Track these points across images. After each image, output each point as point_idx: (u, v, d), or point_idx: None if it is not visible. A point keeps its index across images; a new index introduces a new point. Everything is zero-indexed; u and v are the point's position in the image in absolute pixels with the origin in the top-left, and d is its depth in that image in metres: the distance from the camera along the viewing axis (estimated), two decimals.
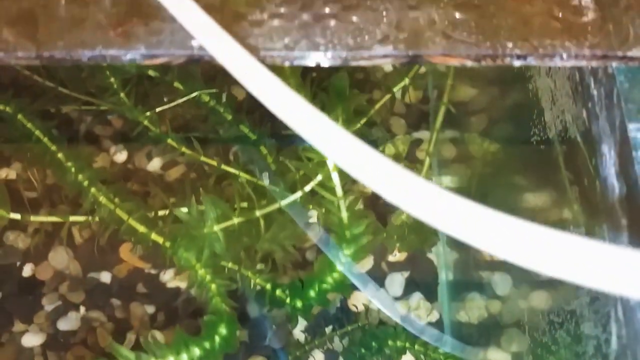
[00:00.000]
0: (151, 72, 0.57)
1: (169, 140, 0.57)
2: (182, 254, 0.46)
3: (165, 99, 0.57)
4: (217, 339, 0.42)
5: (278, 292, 0.48)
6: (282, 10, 0.35)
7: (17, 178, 0.67)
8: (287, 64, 0.34)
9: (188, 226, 0.45)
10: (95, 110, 0.67)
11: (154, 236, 0.49)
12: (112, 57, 0.34)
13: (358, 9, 0.35)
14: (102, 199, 0.50)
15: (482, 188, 0.72)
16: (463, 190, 0.77)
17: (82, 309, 0.80)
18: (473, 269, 0.77)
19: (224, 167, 0.55)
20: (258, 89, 0.31)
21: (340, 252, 0.43)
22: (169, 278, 0.81)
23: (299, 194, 0.45)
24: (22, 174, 0.66)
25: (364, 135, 0.65)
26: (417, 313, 0.79)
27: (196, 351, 0.41)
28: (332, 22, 0.35)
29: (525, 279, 0.71)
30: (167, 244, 0.48)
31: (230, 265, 0.47)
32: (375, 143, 0.75)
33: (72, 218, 0.54)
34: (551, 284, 0.73)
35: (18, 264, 0.81)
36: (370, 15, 0.35)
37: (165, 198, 0.54)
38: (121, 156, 0.77)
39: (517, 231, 0.24)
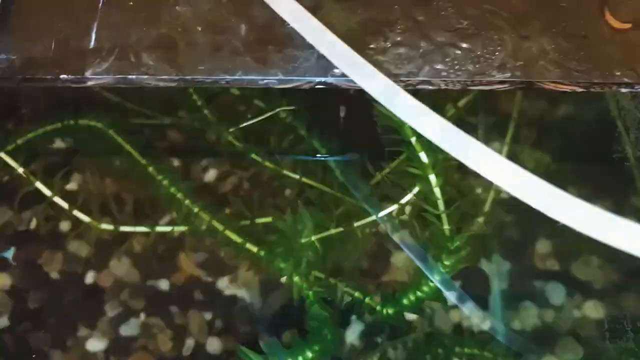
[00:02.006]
0: (234, 91, 0.60)
1: (253, 155, 0.60)
2: (278, 263, 0.49)
3: (249, 116, 0.59)
4: (323, 341, 0.44)
5: (368, 300, 0.51)
6: (405, 39, 0.38)
7: (98, 189, 0.69)
8: (410, 88, 0.37)
9: (286, 236, 0.48)
10: (158, 124, 0.69)
11: (249, 246, 0.51)
12: (249, 82, 0.37)
13: (475, 38, 0.38)
14: (197, 211, 0.52)
15: None
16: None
17: (143, 316, 0.82)
18: (526, 278, 0.79)
19: (304, 179, 0.58)
20: (399, 109, 0.33)
21: (436, 264, 0.45)
22: (225, 286, 0.84)
23: (394, 206, 0.48)
24: (105, 185, 0.69)
25: None
26: (470, 321, 0.81)
27: (309, 354, 0.44)
28: (452, 50, 0.37)
29: (579, 288, 0.74)
30: (262, 253, 0.50)
31: (319, 274, 0.50)
32: None
33: (159, 229, 0.56)
34: (605, 294, 0.76)
35: (80, 271, 0.83)
36: (487, 44, 0.38)
37: (245, 209, 0.56)
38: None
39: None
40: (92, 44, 0.38)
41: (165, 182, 0.54)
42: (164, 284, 0.84)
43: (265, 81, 0.37)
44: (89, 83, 0.38)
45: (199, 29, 0.38)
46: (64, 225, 0.81)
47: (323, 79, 0.36)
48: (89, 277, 0.84)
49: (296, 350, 0.43)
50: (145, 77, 0.37)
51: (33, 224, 0.84)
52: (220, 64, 0.37)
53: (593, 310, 0.73)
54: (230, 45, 0.38)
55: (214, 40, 0.38)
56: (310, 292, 0.47)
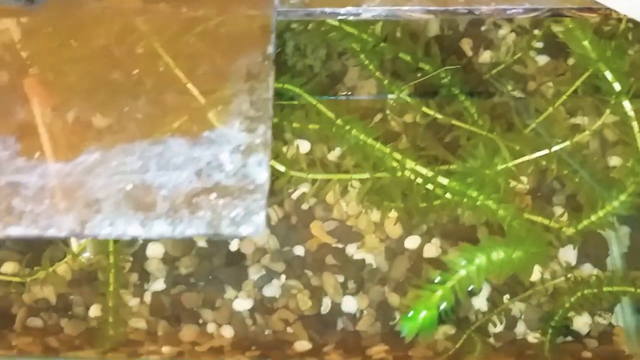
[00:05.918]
0: (402, 55, 0.69)
1: (424, 108, 0.69)
2: (471, 192, 0.56)
3: (418, 75, 0.69)
4: (523, 247, 0.50)
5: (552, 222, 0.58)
6: None
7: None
8: None
9: (480, 166, 0.55)
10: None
11: (440, 179, 0.58)
12: (499, 11, 0.46)
13: None
14: (396, 156, 0.59)
15: None
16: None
17: (283, 278, 0.89)
18: None
19: (473, 128, 0.66)
20: None
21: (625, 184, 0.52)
22: (354, 251, 0.91)
23: (584, 133, 0.55)
24: None
25: None
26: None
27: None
28: None
29: None
30: (454, 184, 0.57)
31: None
32: None
33: (358, 176, 0.64)
34: None
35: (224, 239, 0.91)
36: None
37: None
38: None
39: None
40: None
41: (354, 132, 0.62)
42: (299, 250, 0.91)
43: (514, 11, 0.45)
44: (363, 15, 0.47)
45: None
46: None
47: (565, 6, 0.45)
48: (233, 245, 0.91)
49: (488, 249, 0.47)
50: (415, 8, 0.46)
51: None
52: None
53: None
54: None
55: None
56: (509, 212, 0.53)
